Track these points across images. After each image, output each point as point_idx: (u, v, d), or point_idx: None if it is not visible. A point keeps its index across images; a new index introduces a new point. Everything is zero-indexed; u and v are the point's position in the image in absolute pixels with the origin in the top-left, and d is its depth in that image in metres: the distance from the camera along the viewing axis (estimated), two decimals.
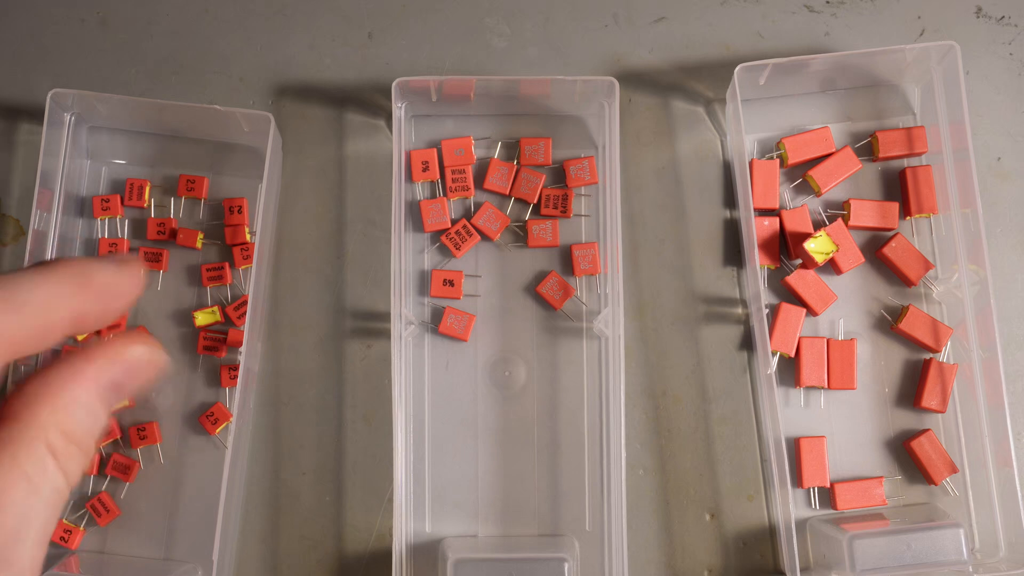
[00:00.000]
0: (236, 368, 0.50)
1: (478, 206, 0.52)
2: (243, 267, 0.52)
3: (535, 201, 0.52)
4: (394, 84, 0.49)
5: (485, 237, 0.52)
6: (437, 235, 0.52)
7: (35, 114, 0.54)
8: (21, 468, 0.20)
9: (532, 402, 0.51)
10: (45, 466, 0.20)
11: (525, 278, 0.52)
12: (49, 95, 0.49)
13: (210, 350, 0.51)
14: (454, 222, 0.52)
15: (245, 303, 0.50)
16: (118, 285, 0.22)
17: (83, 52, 0.56)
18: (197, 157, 0.54)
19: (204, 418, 0.51)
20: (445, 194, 0.52)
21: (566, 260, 0.52)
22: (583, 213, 0.53)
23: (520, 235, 0.53)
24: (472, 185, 0.52)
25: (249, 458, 0.52)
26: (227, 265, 0.52)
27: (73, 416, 0.21)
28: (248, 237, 0.52)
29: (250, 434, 0.52)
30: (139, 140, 0.54)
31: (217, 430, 0.51)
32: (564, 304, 0.52)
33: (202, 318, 0.52)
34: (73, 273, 0.22)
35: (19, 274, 0.21)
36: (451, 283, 0.51)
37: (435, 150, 0.53)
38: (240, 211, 0.52)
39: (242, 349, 0.48)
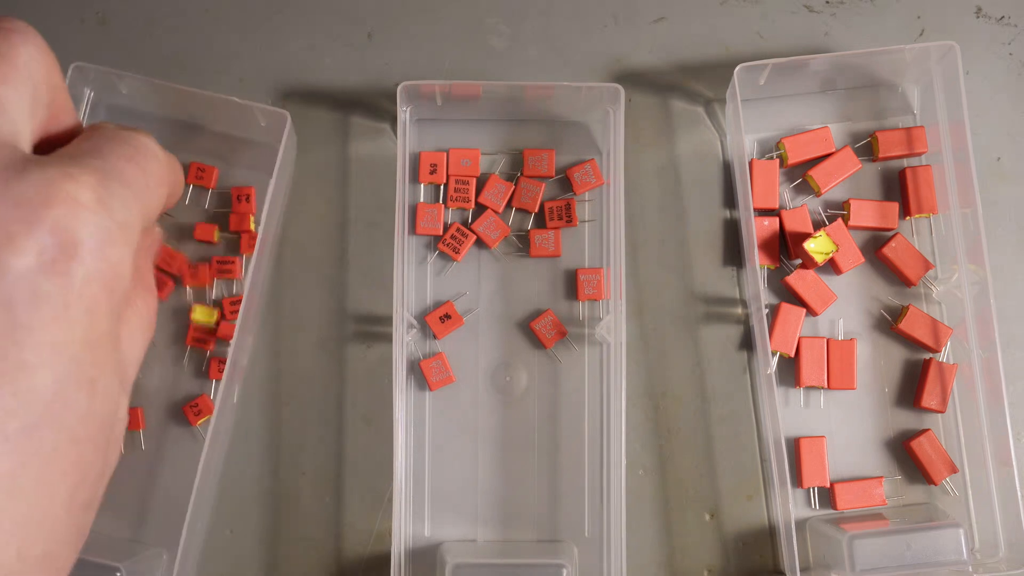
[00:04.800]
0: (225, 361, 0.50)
1: (476, 218, 0.52)
2: (246, 254, 0.52)
3: (536, 210, 0.52)
4: (399, 88, 0.49)
5: (483, 245, 0.52)
6: (433, 240, 0.52)
7: None
8: None
9: (532, 407, 0.51)
10: None
11: (527, 284, 0.52)
12: (71, 67, 0.49)
13: (199, 342, 0.51)
14: (446, 228, 0.52)
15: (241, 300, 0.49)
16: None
17: (83, 52, 0.56)
18: (209, 147, 0.54)
19: (187, 408, 0.51)
20: (445, 201, 0.52)
21: (568, 262, 0.52)
22: (585, 219, 0.53)
23: (521, 247, 0.52)
24: (473, 198, 0.52)
25: (246, 457, 0.52)
26: (238, 260, 0.52)
27: None
28: (252, 227, 0.52)
29: (235, 431, 0.52)
30: (154, 124, 0.54)
31: (199, 422, 0.51)
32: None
33: (199, 315, 0.51)
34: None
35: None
36: (448, 316, 0.51)
37: (445, 154, 0.52)
38: (248, 199, 0.52)
39: (231, 342, 0.48)
